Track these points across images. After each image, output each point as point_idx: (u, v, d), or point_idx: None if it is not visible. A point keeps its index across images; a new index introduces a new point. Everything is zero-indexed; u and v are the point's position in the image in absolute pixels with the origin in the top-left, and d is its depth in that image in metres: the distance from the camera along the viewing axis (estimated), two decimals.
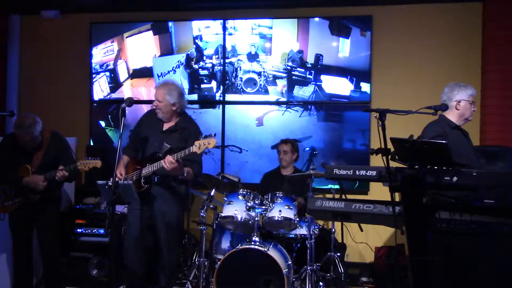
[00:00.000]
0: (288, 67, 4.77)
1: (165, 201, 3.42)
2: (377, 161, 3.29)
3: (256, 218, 3.61)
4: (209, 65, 4.91)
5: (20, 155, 3.57)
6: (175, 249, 3.61)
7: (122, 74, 5.11)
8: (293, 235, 3.76)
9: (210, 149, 3.16)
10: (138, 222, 3.43)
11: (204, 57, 4.92)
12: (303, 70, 4.75)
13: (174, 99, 3.35)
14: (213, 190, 3.75)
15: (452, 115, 3.10)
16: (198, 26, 4.93)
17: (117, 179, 3.25)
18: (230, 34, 4.87)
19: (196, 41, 4.93)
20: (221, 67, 4.89)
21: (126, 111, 3.15)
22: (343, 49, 4.69)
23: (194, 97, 4.96)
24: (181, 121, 3.45)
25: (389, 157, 2.43)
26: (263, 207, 3.62)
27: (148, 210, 3.40)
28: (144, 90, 5.07)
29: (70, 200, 4.52)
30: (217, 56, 4.89)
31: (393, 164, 2.47)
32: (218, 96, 4.91)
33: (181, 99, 3.42)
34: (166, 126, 3.45)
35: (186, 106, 3.53)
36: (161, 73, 5.02)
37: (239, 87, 4.88)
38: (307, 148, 4.75)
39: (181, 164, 3.17)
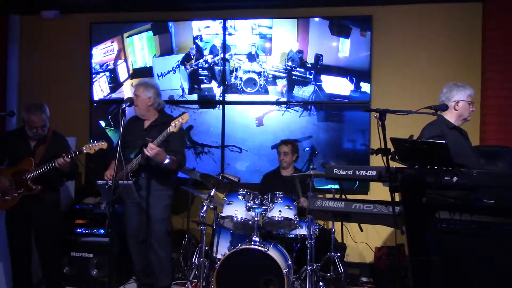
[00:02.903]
0: (288, 67, 4.77)
1: (151, 196, 3.60)
2: (377, 161, 3.29)
3: (256, 218, 3.61)
4: (206, 65, 4.92)
5: (24, 150, 3.58)
6: (165, 244, 3.68)
7: (122, 74, 5.12)
8: (293, 235, 3.76)
9: (185, 124, 3.39)
10: (134, 217, 3.67)
11: (204, 57, 4.93)
12: (303, 70, 4.75)
13: (150, 94, 3.65)
14: (213, 190, 3.75)
15: (450, 116, 3.10)
16: (198, 26, 4.93)
17: (106, 179, 3.49)
18: (230, 34, 4.88)
19: (196, 41, 4.93)
20: (218, 66, 4.89)
21: (126, 111, 3.20)
22: (343, 49, 4.69)
23: (194, 97, 4.97)
24: (160, 117, 3.71)
25: (389, 157, 2.43)
26: (263, 207, 3.63)
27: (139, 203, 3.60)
28: None
29: (70, 200, 4.52)
30: (211, 55, 4.89)
31: (393, 164, 2.47)
32: (218, 96, 4.91)
33: (157, 97, 3.69)
34: (146, 124, 3.70)
35: (163, 105, 3.78)
36: (161, 73, 5.02)
37: (239, 87, 4.88)
38: (307, 148, 4.76)
39: (163, 148, 3.38)
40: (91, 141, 4.97)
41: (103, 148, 3.43)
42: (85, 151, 3.43)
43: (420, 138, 2.98)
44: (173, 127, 3.31)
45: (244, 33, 4.85)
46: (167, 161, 3.39)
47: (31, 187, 3.49)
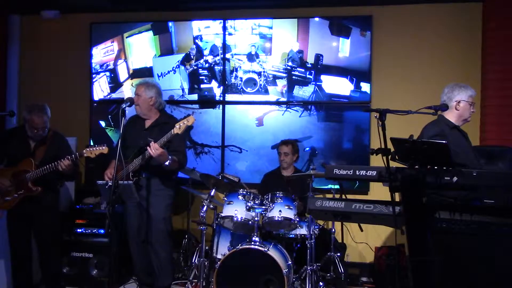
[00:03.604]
0: (288, 67, 4.77)
1: (152, 195, 3.61)
2: (377, 161, 3.30)
3: (256, 218, 3.61)
4: (206, 65, 4.92)
5: (24, 150, 3.58)
6: (165, 243, 3.69)
7: (122, 74, 5.12)
8: (293, 235, 3.76)
9: (189, 125, 3.36)
10: (135, 217, 3.68)
11: (204, 57, 4.93)
12: (303, 70, 4.75)
13: (152, 93, 3.66)
14: (213, 190, 3.75)
15: (451, 115, 3.11)
16: (198, 26, 4.93)
17: (107, 179, 3.50)
18: (230, 34, 4.88)
19: (196, 41, 4.93)
20: (218, 66, 4.89)
21: (126, 111, 3.20)
22: (343, 49, 4.69)
23: (194, 97, 4.97)
24: (162, 117, 3.72)
25: (389, 157, 2.43)
26: (263, 207, 3.62)
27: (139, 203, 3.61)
28: None
29: (70, 200, 4.52)
30: (212, 55, 4.90)
31: (393, 164, 2.47)
32: (218, 96, 4.91)
33: (158, 96, 3.70)
34: (147, 123, 3.71)
35: (164, 105, 3.79)
36: (161, 73, 5.02)
37: (239, 87, 4.88)
38: (307, 148, 4.75)
39: (166, 149, 3.38)
40: (92, 144, 4.99)
41: (104, 153, 3.42)
42: (85, 155, 3.43)
43: (420, 137, 2.98)
44: (177, 129, 3.29)
45: (244, 33, 4.85)
46: (168, 162, 3.39)
47: (31, 189, 3.48)
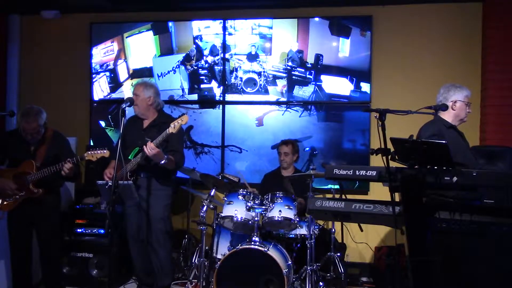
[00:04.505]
0: (288, 67, 4.77)
1: (151, 195, 3.62)
2: (377, 161, 3.30)
3: (256, 218, 3.61)
4: (206, 65, 4.92)
5: (24, 152, 3.57)
6: (165, 243, 3.69)
7: (122, 74, 5.12)
8: (293, 235, 3.76)
9: (184, 125, 3.42)
10: (134, 216, 3.69)
11: (204, 57, 4.93)
12: (303, 70, 4.75)
13: (150, 93, 3.68)
14: (213, 190, 3.75)
15: (447, 116, 3.12)
16: (198, 26, 4.94)
17: (106, 179, 3.52)
18: (230, 34, 4.88)
19: (196, 41, 4.93)
20: (218, 66, 4.89)
21: (126, 111, 3.20)
22: (343, 49, 4.69)
23: (194, 97, 4.97)
24: (160, 117, 3.73)
25: (389, 157, 2.43)
26: (263, 207, 3.62)
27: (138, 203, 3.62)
28: None
29: (70, 200, 4.52)
30: (212, 55, 4.90)
31: (393, 164, 2.47)
32: (218, 96, 4.91)
33: (157, 96, 3.73)
34: (146, 124, 3.72)
35: (162, 105, 3.80)
36: (161, 73, 5.02)
37: (239, 87, 4.88)
38: (307, 148, 4.76)
39: (161, 149, 3.39)
40: (92, 145, 5.00)
41: (105, 156, 3.41)
42: (86, 158, 3.42)
43: (418, 137, 2.98)
44: (172, 128, 3.32)
45: (244, 33, 4.85)
46: (163, 161, 3.40)
47: (32, 191, 3.48)
